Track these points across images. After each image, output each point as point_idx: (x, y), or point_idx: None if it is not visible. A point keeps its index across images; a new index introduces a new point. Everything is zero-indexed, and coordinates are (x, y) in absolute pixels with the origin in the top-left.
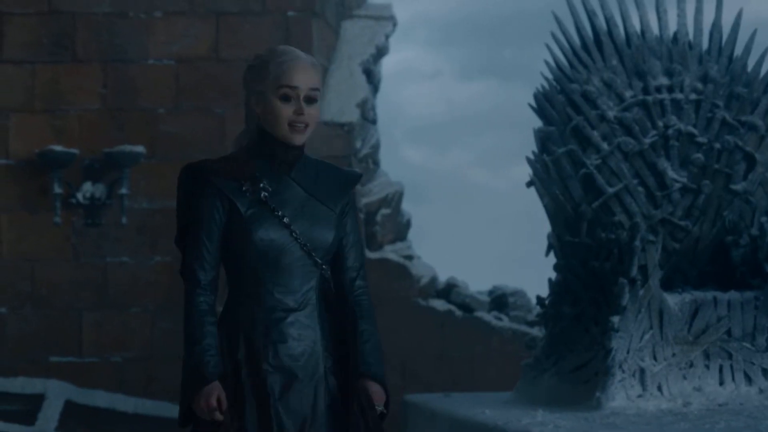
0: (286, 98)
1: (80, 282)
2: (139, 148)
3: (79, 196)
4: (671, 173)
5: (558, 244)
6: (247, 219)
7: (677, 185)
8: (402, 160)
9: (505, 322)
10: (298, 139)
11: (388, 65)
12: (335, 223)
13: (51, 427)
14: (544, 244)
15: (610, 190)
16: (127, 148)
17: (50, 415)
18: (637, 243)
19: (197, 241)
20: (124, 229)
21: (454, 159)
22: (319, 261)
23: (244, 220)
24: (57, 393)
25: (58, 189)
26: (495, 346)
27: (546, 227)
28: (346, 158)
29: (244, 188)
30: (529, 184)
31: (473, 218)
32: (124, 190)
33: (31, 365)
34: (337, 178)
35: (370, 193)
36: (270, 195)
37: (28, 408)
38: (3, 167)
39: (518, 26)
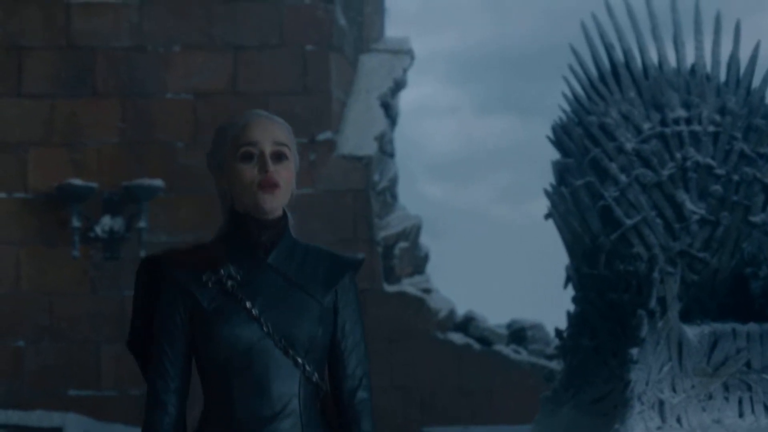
0: (247, 157)
1: (98, 315)
2: (158, 182)
3: (98, 229)
4: (689, 205)
5: (576, 276)
6: (210, 313)
7: (695, 217)
8: (420, 195)
9: (524, 356)
10: (269, 202)
11: (406, 101)
12: (321, 317)
13: None
14: (563, 278)
15: (629, 222)
16: (146, 181)
17: None
18: (656, 275)
19: (158, 350)
20: None
21: (472, 195)
22: (300, 360)
23: (206, 315)
24: (75, 426)
25: (76, 222)
26: (514, 380)
27: (564, 261)
28: (364, 192)
29: (204, 278)
30: (548, 216)
31: (491, 253)
32: (142, 224)
33: (50, 398)
34: (329, 263)
35: (388, 227)
36: (239, 284)
37: None
38: (22, 201)
39: (538, 62)
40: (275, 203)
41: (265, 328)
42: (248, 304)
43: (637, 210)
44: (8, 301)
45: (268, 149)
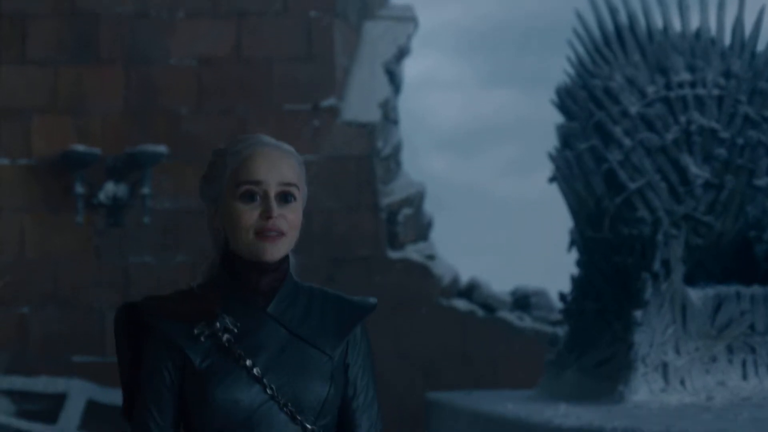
0: (248, 197)
1: (103, 282)
2: (161, 148)
3: (101, 196)
4: (694, 169)
5: (580, 239)
6: (203, 373)
7: (700, 180)
8: (424, 168)
9: (528, 322)
10: (270, 253)
11: (410, 73)
12: (332, 374)
13: (73, 426)
14: (567, 247)
15: (633, 185)
16: (149, 147)
17: (72, 414)
18: (660, 237)
19: (144, 415)
20: (147, 229)
21: (477, 168)
22: (310, 426)
23: (198, 374)
24: (79, 392)
25: (80, 189)
26: (517, 346)
27: (568, 233)
28: (367, 158)
29: (197, 331)
30: (552, 180)
31: (496, 226)
32: (146, 190)
33: (54, 365)
34: (337, 310)
35: (391, 193)
36: (236, 338)
37: (51, 407)
38: (25, 168)
39: (544, 35)
40: (276, 252)
41: (268, 391)
42: (248, 362)
43: (641, 173)
44: (12, 268)
45: (273, 190)
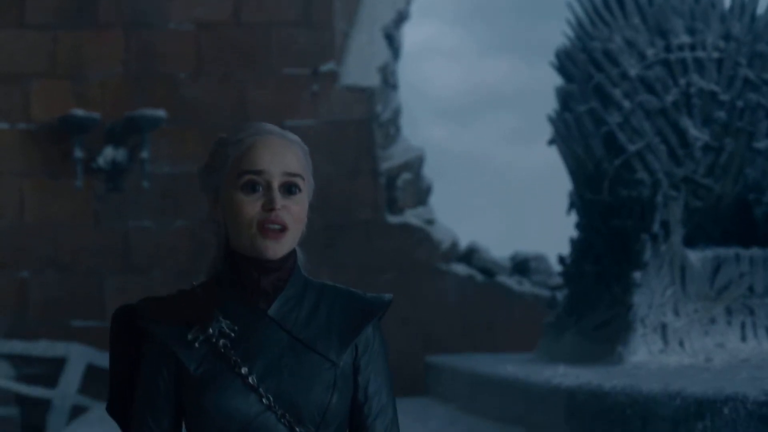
0: (250, 188)
1: (102, 246)
2: (160, 113)
3: (101, 160)
4: (693, 131)
5: (579, 202)
6: (198, 380)
7: (699, 143)
8: (424, 137)
9: (527, 287)
10: (272, 249)
11: (410, 42)
12: (335, 381)
13: (73, 390)
14: (565, 219)
15: (632, 148)
16: (148, 112)
17: (72, 378)
18: (659, 199)
19: (140, 423)
20: (146, 193)
21: (476, 137)
22: None
23: (193, 381)
24: (79, 356)
25: (79, 154)
26: (516, 311)
27: (566, 202)
28: (366, 123)
29: (190, 336)
30: (551, 142)
31: (494, 194)
32: (145, 155)
33: (54, 329)
34: (347, 310)
35: (391, 158)
36: (233, 342)
37: (51, 371)
38: (24, 132)
39: (544, 3)
40: (279, 249)
41: (265, 400)
42: (244, 370)
43: (640, 136)
44: (12, 233)
45: (276, 181)
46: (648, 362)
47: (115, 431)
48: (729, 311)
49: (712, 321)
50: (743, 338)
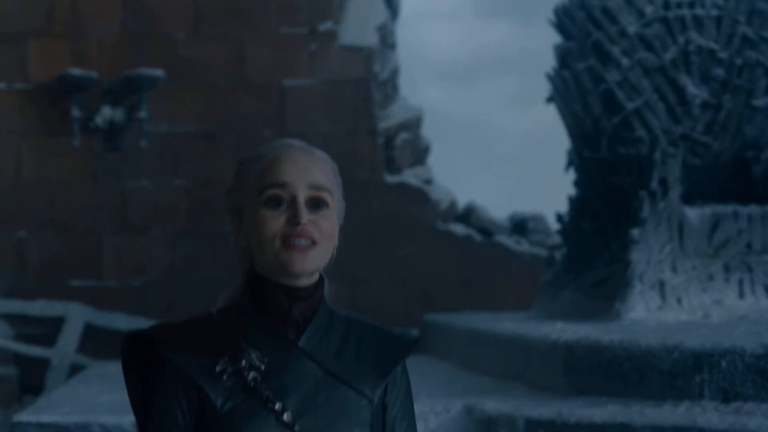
0: (274, 202)
1: (100, 206)
2: (158, 72)
3: (98, 120)
4: (692, 89)
5: (578, 159)
6: (225, 416)
7: (698, 101)
8: (423, 99)
9: (525, 247)
10: (300, 264)
11: (409, 4)
12: (371, 419)
13: (71, 350)
14: (563, 181)
15: (631, 105)
16: (146, 71)
17: (70, 337)
18: (657, 156)
19: None
20: (143, 153)
21: (475, 100)
22: None
23: (220, 418)
24: (77, 316)
25: (77, 113)
26: (514, 270)
27: (563, 164)
28: (365, 82)
29: (219, 368)
30: (549, 100)
31: (493, 156)
32: (142, 114)
33: (52, 289)
34: (378, 347)
35: (389, 118)
36: (263, 376)
37: (49, 331)
38: (22, 91)
39: None
40: (307, 266)
41: None
42: (278, 406)
43: (639, 93)
44: (10, 192)
45: (302, 194)
46: (646, 319)
47: (114, 385)
48: (727, 268)
49: (710, 278)
50: (741, 295)
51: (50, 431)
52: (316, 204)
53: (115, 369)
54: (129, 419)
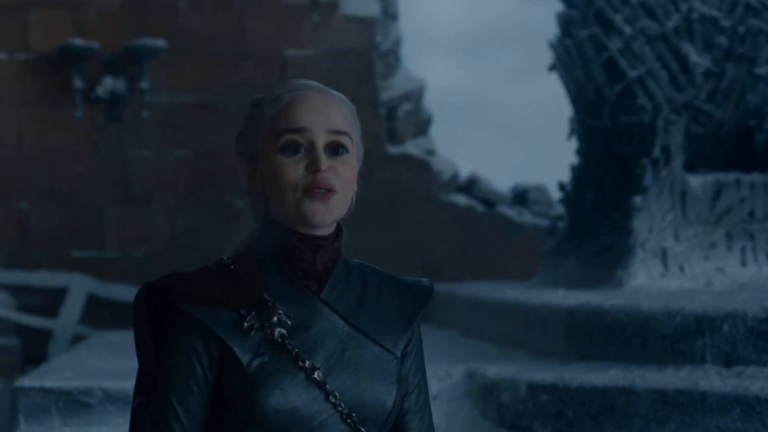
0: (291, 149)
1: (102, 177)
2: (160, 42)
3: (100, 90)
4: (694, 57)
5: (580, 128)
6: (253, 375)
7: (700, 69)
8: (424, 74)
9: (527, 218)
10: (320, 214)
11: None
12: (399, 375)
13: (73, 321)
14: (566, 155)
15: (633, 73)
16: (147, 41)
17: (72, 308)
18: (660, 123)
19: (165, 413)
20: (145, 124)
21: (477, 74)
22: None
23: (246, 376)
24: (79, 287)
25: (78, 83)
26: (517, 242)
27: (564, 139)
28: (367, 52)
29: (247, 324)
30: (552, 68)
31: (495, 130)
32: (144, 85)
33: (53, 260)
34: (397, 297)
35: (391, 88)
36: (290, 331)
37: (51, 302)
38: (23, 62)
39: None
40: (328, 215)
41: (331, 398)
42: (307, 363)
43: (641, 62)
44: (11, 163)
45: (321, 139)
46: (648, 286)
47: (116, 353)
48: (729, 236)
49: (713, 246)
50: (743, 263)
51: (52, 396)
52: (336, 149)
53: (117, 338)
54: (131, 385)
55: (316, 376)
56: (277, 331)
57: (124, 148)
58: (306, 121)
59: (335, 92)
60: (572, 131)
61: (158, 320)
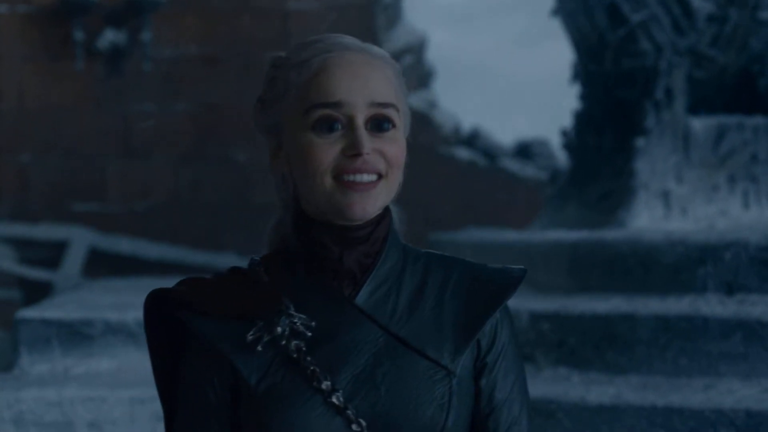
0: (325, 127)
1: (104, 130)
2: None
3: (101, 43)
4: (697, 1)
5: (583, 73)
6: (261, 398)
7: (703, 13)
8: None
9: (529, 171)
10: (360, 208)
11: None
12: (450, 395)
13: (75, 273)
14: (569, 118)
15: (636, 18)
16: None
17: (74, 260)
18: (663, 65)
19: None
20: (147, 77)
21: (480, 41)
22: None
23: (254, 399)
24: (81, 239)
25: (79, 36)
26: (519, 195)
27: (568, 103)
28: (368, 6)
29: (251, 336)
30: (554, 13)
31: (499, 97)
32: (145, 37)
33: (55, 213)
34: (467, 293)
35: (392, 41)
36: (310, 345)
37: (53, 254)
38: (24, 15)
39: None
40: (369, 208)
41: (356, 426)
42: (326, 384)
43: (644, 6)
44: (13, 117)
45: (361, 114)
46: (650, 227)
47: (117, 293)
48: (732, 179)
49: (715, 188)
50: (746, 205)
51: (53, 327)
52: (379, 125)
53: (119, 284)
54: (132, 316)
55: (334, 399)
56: (293, 344)
57: (126, 102)
58: (342, 93)
59: (375, 49)
60: (575, 76)
61: (173, 331)
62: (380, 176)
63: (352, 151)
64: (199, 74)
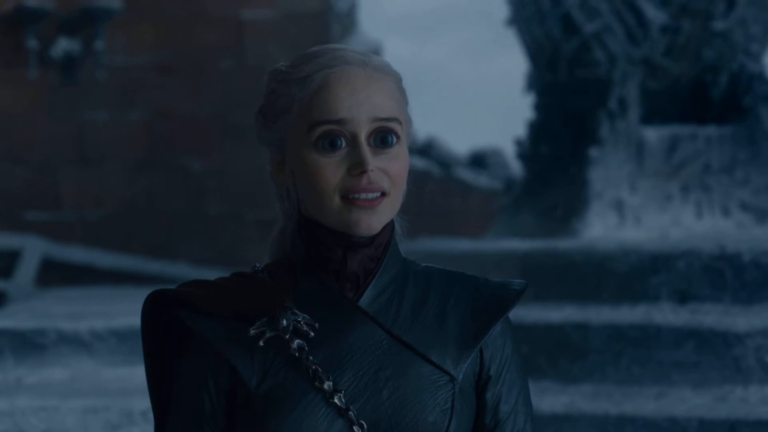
0: (328, 144)
1: (57, 138)
2: (114, 2)
3: (54, 51)
4: (651, 12)
5: (537, 83)
6: (261, 399)
7: (657, 24)
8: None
9: (483, 180)
10: (366, 224)
11: None
12: (453, 401)
13: (27, 283)
14: (522, 127)
15: (589, 28)
16: (102, 2)
17: (27, 270)
18: (616, 75)
19: None
20: (101, 85)
21: (433, 49)
22: None
23: (253, 401)
24: (33, 248)
25: (32, 44)
26: (473, 204)
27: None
28: (323, 14)
29: (253, 331)
30: (509, 22)
31: (451, 104)
32: (99, 46)
33: (8, 222)
34: (469, 303)
35: None
36: (312, 345)
37: (5, 263)
38: None
39: None
40: (375, 223)
41: (357, 428)
42: (328, 385)
43: (598, 16)
44: None
45: (364, 130)
46: (604, 237)
47: (70, 302)
48: (685, 188)
49: (669, 198)
50: (699, 215)
51: (6, 337)
52: (384, 139)
53: (72, 293)
54: (85, 326)
55: (336, 400)
56: (295, 342)
57: (79, 110)
58: (345, 111)
59: (376, 61)
60: (530, 86)
61: (172, 334)
62: (384, 194)
63: (358, 170)
64: (153, 82)
